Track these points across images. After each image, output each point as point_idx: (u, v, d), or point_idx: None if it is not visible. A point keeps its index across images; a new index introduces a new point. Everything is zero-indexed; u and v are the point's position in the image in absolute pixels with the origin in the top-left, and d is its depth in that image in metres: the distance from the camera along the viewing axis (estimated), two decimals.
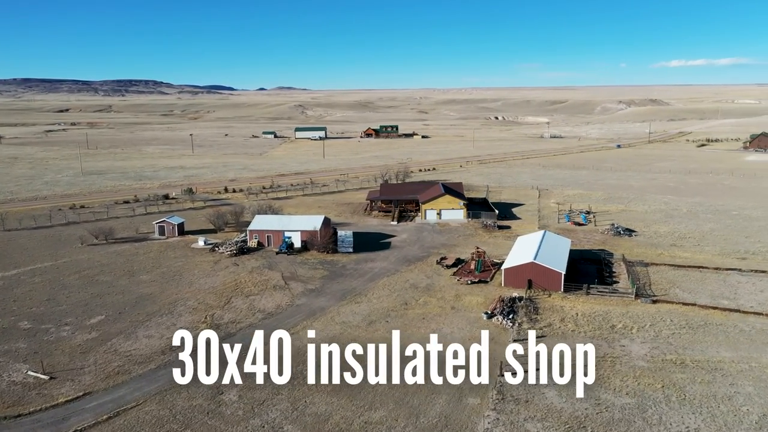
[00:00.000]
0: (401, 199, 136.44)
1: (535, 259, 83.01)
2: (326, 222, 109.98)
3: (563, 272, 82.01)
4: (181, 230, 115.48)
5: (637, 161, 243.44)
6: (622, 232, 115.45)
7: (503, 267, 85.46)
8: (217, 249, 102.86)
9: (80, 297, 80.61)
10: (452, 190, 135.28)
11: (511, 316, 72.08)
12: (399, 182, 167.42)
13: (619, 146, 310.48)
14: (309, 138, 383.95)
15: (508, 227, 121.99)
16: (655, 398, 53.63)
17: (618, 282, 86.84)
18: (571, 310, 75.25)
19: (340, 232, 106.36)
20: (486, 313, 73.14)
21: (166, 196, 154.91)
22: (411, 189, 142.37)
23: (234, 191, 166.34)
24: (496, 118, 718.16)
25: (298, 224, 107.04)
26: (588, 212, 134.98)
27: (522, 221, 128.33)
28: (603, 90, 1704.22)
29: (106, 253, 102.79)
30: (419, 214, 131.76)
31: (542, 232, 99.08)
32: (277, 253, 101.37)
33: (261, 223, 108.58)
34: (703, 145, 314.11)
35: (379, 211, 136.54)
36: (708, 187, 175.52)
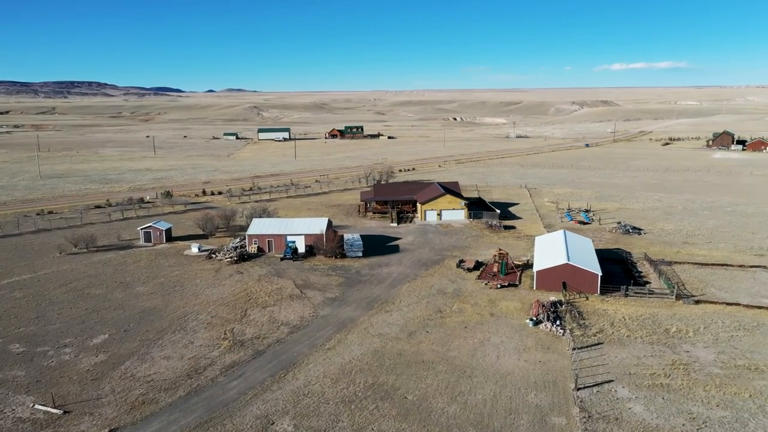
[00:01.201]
0: (397, 200, 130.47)
1: (569, 260, 78.54)
2: (329, 225, 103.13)
3: (600, 274, 77.79)
4: (169, 236, 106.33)
5: (612, 159, 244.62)
6: (630, 230, 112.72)
7: (535, 269, 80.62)
8: (214, 256, 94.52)
9: (73, 313, 71.40)
10: (451, 189, 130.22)
11: (558, 322, 67.18)
12: (393, 182, 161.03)
13: (587, 145, 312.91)
14: (273, 139, 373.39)
15: (513, 227, 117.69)
16: (748, 409, 49.43)
17: (650, 282, 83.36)
18: (616, 313, 70.98)
19: (347, 236, 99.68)
20: (531, 319, 68.03)
21: (142, 200, 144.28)
22: (407, 189, 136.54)
23: (213, 194, 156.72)
24: (455, 119, 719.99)
25: (301, 228, 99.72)
26: (587, 210, 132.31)
27: (524, 221, 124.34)
28: (551, 92, 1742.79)
29: (90, 262, 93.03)
30: (417, 215, 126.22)
31: (561, 232, 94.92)
32: (281, 259, 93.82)
33: (260, 227, 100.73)
34: (667, 143, 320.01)
35: (374, 213, 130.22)
36: (691, 184, 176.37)
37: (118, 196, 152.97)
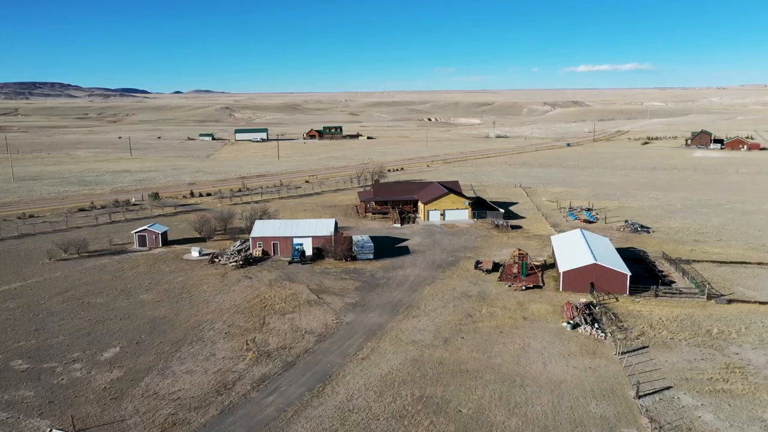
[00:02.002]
0: (398, 199, 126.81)
1: (596, 260, 75.89)
2: (336, 226, 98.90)
3: (629, 274, 75.32)
4: (165, 240, 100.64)
5: (596, 159, 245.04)
6: (639, 228, 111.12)
7: (561, 270, 77.77)
8: (217, 260, 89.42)
9: (76, 324, 65.80)
10: (453, 189, 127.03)
11: (597, 325, 64.34)
12: (392, 182, 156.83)
13: (568, 145, 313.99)
14: (251, 140, 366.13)
15: (520, 227, 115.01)
16: None
17: (675, 282, 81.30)
18: (651, 314, 68.48)
19: (356, 237, 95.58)
20: (567, 322, 65.03)
21: (128, 202, 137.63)
22: (407, 189, 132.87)
23: (201, 195, 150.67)
24: (430, 119, 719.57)
25: (307, 229, 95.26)
26: (590, 209, 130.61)
27: (528, 220, 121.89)
28: (521, 93, 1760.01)
29: (84, 269, 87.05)
30: (419, 215, 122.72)
31: (578, 231, 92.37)
32: (289, 263, 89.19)
33: (264, 229, 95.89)
34: (646, 142, 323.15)
35: (374, 213, 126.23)
36: (682, 182, 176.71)
37: (100, 199, 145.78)
